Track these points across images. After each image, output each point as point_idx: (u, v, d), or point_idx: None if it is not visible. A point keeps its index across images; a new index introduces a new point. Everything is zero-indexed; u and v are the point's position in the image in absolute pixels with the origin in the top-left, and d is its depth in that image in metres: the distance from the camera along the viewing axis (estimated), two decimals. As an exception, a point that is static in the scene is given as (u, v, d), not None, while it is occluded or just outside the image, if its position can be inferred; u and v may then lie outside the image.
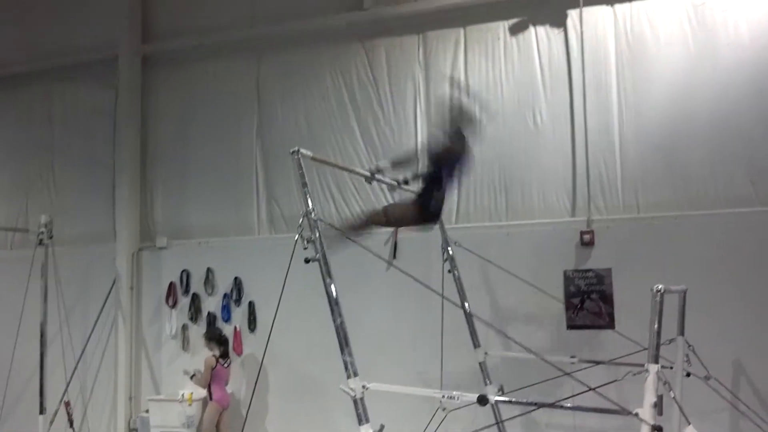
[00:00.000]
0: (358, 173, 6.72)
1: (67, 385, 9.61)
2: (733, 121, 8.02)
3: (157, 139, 10.82)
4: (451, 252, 7.73)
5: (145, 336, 10.50)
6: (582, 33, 8.62)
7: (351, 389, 4.72)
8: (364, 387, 4.74)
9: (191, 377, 9.06)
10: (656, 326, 4.60)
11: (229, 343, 9.47)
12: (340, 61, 9.79)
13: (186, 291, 10.29)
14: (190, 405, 9.26)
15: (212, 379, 8.93)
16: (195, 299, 10.21)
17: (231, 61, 10.44)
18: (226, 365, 9.06)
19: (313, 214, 5.23)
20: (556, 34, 8.80)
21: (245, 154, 10.24)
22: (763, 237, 7.75)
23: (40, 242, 9.54)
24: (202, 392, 9.17)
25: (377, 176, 6.51)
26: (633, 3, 8.52)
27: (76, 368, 9.95)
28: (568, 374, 5.40)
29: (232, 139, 10.32)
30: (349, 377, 4.76)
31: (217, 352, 9.01)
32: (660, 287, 4.68)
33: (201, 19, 10.58)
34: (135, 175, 10.68)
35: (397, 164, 6.54)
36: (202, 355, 9.30)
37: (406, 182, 6.76)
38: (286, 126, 10.02)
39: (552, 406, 6.17)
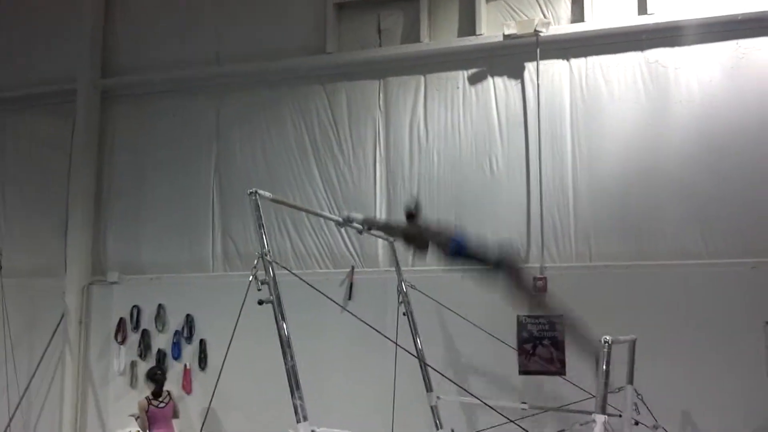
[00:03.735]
0: (324, 217, 6.78)
1: (10, 420, 9.37)
2: (684, 176, 8.22)
3: (113, 173, 10.71)
4: (405, 291, 7.79)
5: (93, 372, 10.25)
6: (538, 85, 8.81)
7: (300, 433, 4.70)
8: (313, 431, 4.72)
9: (136, 419, 8.86)
10: (604, 377, 4.62)
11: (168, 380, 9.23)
12: (302, 102, 9.84)
13: (136, 327, 10.10)
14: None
15: (150, 420, 8.69)
16: (145, 335, 10.02)
17: (192, 98, 10.41)
18: (161, 405, 8.74)
19: (268, 256, 5.23)
20: (513, 85, 8.99)
21: (202, 191, 10.18)
22: (712, 289, 7.89)
23: (-12, 273, 9.40)
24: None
25: (350, 223, 6.86)
26: (588, 58, 8.75)
27: (20, 403, 9.70)
28: (513, 422, 5.45)
29: (190, 175, 10.27)
30: (298, 421, 4.73)
31: (149, 393, 8.81)
32: (608, 338, 4.72)
33: (163, 55, 10.55)
34: (88, 209, 10.50)
35: (371, 225, 7.11)
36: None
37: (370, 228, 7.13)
38: (244, 165, 10.01)
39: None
